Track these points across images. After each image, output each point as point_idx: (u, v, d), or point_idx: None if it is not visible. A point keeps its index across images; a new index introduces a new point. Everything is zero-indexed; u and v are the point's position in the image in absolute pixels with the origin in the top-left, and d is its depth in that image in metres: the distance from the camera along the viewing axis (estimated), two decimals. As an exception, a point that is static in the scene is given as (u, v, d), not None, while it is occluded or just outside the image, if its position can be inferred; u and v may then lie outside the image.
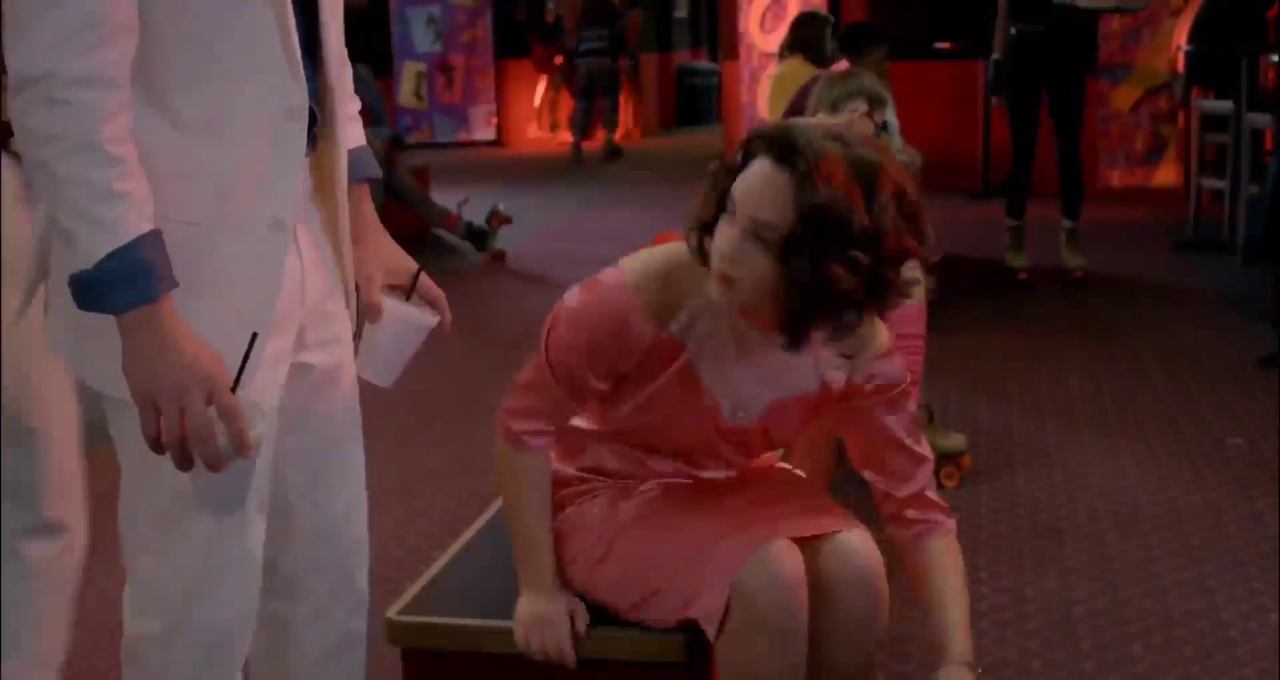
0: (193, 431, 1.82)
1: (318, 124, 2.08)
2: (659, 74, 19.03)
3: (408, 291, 2.27)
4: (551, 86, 17.39)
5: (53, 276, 1.98)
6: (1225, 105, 8.85)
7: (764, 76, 11.53)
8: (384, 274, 2.26)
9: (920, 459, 2.40)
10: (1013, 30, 7.65)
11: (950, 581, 2.36)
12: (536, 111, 17.48)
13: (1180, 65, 9.80)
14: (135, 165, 1.81)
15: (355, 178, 2.22)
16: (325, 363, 2.18)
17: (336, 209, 2.16)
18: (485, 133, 17.12)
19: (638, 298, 2.25)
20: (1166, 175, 11.13)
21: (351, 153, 2.20)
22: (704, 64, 20.61)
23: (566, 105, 17.00)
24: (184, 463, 1.84)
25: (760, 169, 2.10)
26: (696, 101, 19.62)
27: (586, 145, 15.51)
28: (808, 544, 2.25)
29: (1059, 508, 4.49)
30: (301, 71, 1.97)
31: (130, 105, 1.82)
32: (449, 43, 17.08)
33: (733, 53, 12.19)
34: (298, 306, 2.08)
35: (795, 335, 2.16)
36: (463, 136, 16.96)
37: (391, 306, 2.23)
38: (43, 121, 1.78)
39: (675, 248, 2.28)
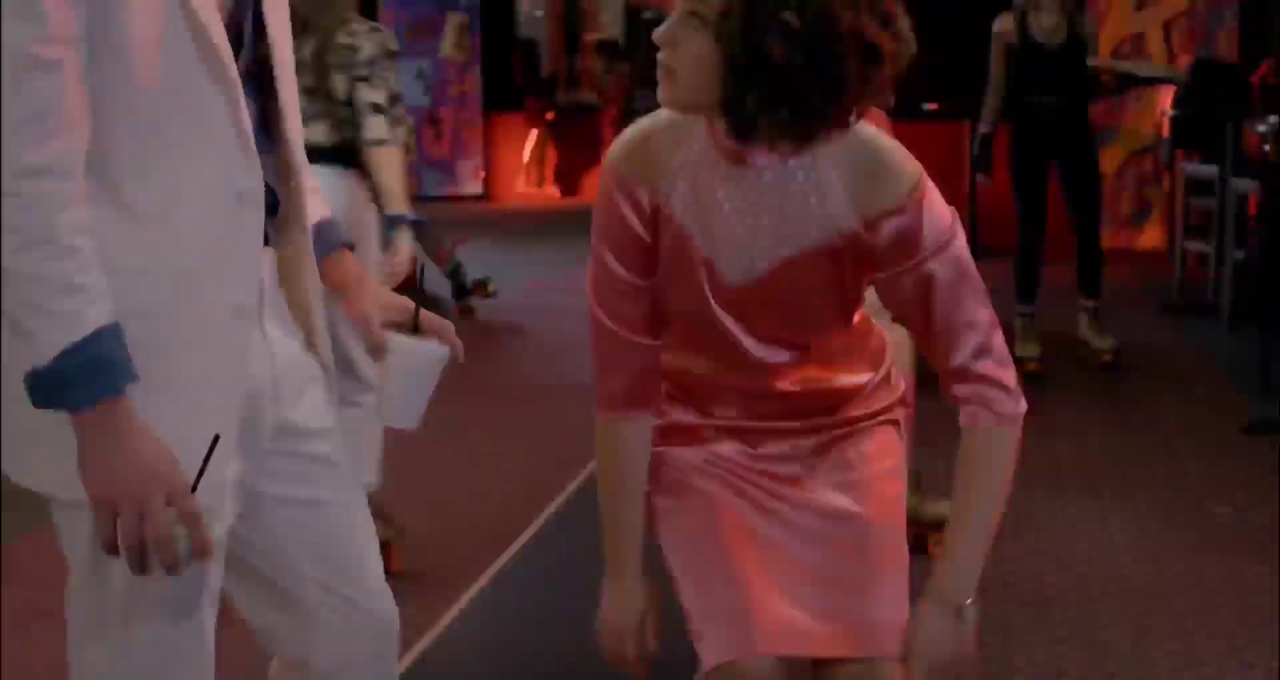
0: (152, 537, 1.77)
1: (279, 205, 2.04)
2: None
3: (411, 327, 2.20)
4: (541, 141, 17.45)
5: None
6: (1210, 170, 8.90)
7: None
8: (381, 312, 2.19)
9: (964, 326, 2.18)
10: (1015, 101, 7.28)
11: (972, 486, 2.23)
12: (525, 166, 17.53)
13: (1165, 130, 9.88)
14: (92, 256, 1.77)
15: (331, 248, 2.19)
16: (320, 451, 2.12)
17: (306, 290, 2.11)
18: (473, 187, 17.12)
19: (625, 168, 2.22)
20: (1152, 237, 11.19)
21: (320, 226, 2.17)
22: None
23: (553, 160, 17.08)
24: (141, 567, 1.80)
25: None
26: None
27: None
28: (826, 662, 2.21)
29: (1047, 576, 4.49)
30: (255, 154, 1.93)
31: (85, 195, 1.78)
32: (437, 96, 17.11)
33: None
34: (269, 395, 2.02)
35: (738, 121, 2.04)
36: (450, 190, 16.95)
37: (398, 343, 2.18)
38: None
39: (658, 113, 2.23)
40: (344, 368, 4.25)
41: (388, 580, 2.22)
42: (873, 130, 2.17)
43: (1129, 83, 8.54)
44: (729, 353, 2.30)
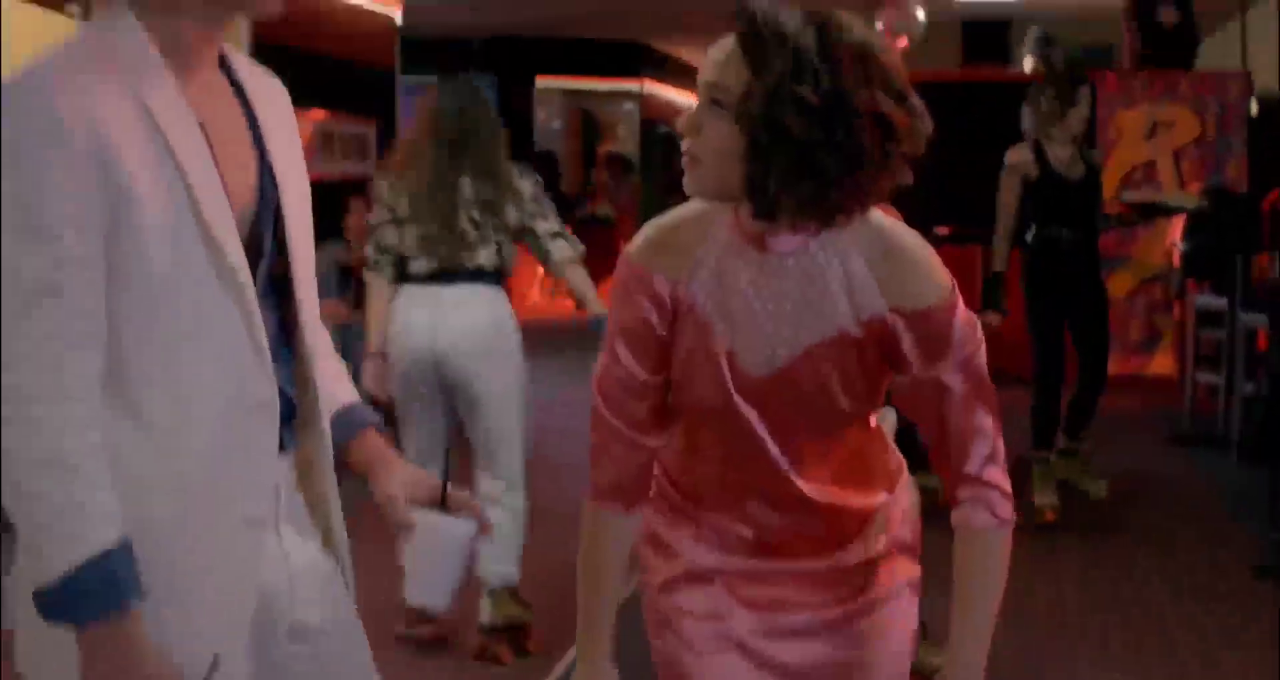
0: None
1: (295, 413, 2.07)
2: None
3: (440, 505, 2.20)
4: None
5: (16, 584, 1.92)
6: (1220, 302, 8.94)
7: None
8: (407, 490, 2.19)
9: (976, 435, 2.23)
10: (1028, 238, 7.03)
11: (975, 584, 2.27)
12: (541, 278, 17.60)
13: (1175, 260, 9.93)
14: (102, 474, 1.80)
15: (357, 430, 2.21)
16: (333, 650, 2.13)
17: (324, 490, 2.14)
18: (487, 298, 17.17)
19: (645, 262, 2.26)
20: (1162, 365, 11.20)
21: (344, 408, 2.20)
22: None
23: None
24: None
25: (720, 43, 2.13)
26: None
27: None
28: None
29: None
30: (270, 366, 1.97)
31: (98, 414, 1.82)
32: (454, 208, 17.25)
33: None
34: (284, 599, 2.04)
35: (761, 199, 2.08)
36: (464, 300, 17.02)
37: (425, 520, 2.17)
38: (7, 437, 1.77)
39: (684, 206, 2.29)
40: (483, 465, 4.97)
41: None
42: (896, 222, 2.23)
43: (1154, 213, 8.56)
44: (748, 452, 2.29)
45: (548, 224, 5.05)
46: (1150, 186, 11.11)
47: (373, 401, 4.90)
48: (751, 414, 2.26)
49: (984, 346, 2.23)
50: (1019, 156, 6.93)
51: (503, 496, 4.94)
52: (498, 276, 4.98)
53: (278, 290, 2.04)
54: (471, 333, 4.89)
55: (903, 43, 13.20)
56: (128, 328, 1.85)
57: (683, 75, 20.99)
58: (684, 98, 21.23)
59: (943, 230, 11.69)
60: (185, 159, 1.88)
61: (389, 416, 6.51)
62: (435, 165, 4.90)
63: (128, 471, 1.84)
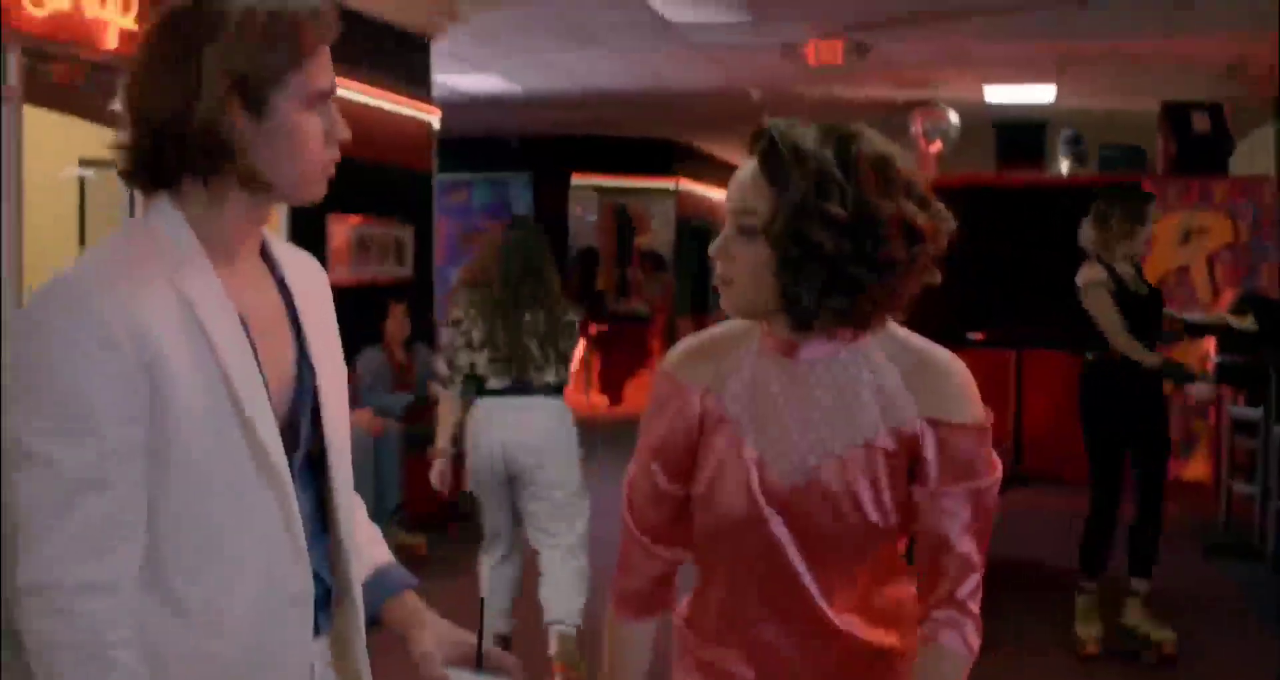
0: None
1: (330, 595, 2.09)
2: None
3: (475, 664, 2.20)
4: (588, 351, 17.60)
5: None
6: (1255, 412, 8.91)
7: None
8: (443, 648, 2.19)
9: (970, 564, 2.25)
10: (1089, 356, 6.79)
11: None
12: (574, 373, 17.63)
13: (1210, 368, 9.91)
14: (140, 668, 1.83)
15: (393, 591, 2.23)
16: None
17: (357, 666, 2.16)
18: (521, 393, 17.20)
19: (679, 373, 2.32)
20: (1198, 470, 11.16)
21: (380, 571, 2.22)
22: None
23: (597, 368, 17.25)
24: None
25: (742, 168, 2.19)
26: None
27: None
28: None
29: None
30: (305, 557, 2.00)
31: (135, 607, 1.85)
32: (489, 303, 17.34)
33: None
34: None
35: (798, 314, 2.15)
36: (499, 396, 17.05)
37: (459, 679, 2.17)
38: (48, 629, 1.81)
39: (720, 324, 2.34)
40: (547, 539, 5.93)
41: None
42: (928, 341, 2.27)
43: (1195, 332, 8.53)
44: (769, 569, 2.28)
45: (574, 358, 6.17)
46: (1184, 292, 11.13)
47: (438, 496, 6.52)
48: (778, 526, 2.25)
49: (998, 486, 2.26)
50: (1096, 274, 6.62)
51: (567, 556, 5.98)
52: (559, 389, 6.00)
53: (313, 470, 2.08)
54: (538, 436, 5.90)
55: (936, 147, 13.28)
56: (166, 516, 1.88)
57: (717, 171, 21.12)
58: (718, 193, 21.35)
59: (977, 335, 11.71)
60: (224, 352, 1.91)
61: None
62: (503, 302, 5.88)
63: (164, 660, 1.87)
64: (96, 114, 7.29)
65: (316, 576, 2.04)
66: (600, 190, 18.58)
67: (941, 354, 2.24)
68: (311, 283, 2.17)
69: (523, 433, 5.86)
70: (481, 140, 16.71)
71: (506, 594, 6.13)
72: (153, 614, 1.87)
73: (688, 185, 19.60)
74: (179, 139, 1.90)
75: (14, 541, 1.83)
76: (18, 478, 1.82)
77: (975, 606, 2.26)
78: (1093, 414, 6.77)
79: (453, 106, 12.39)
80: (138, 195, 6.59)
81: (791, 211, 2.10)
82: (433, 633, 2.21)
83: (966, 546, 2.24)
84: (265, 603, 1.96)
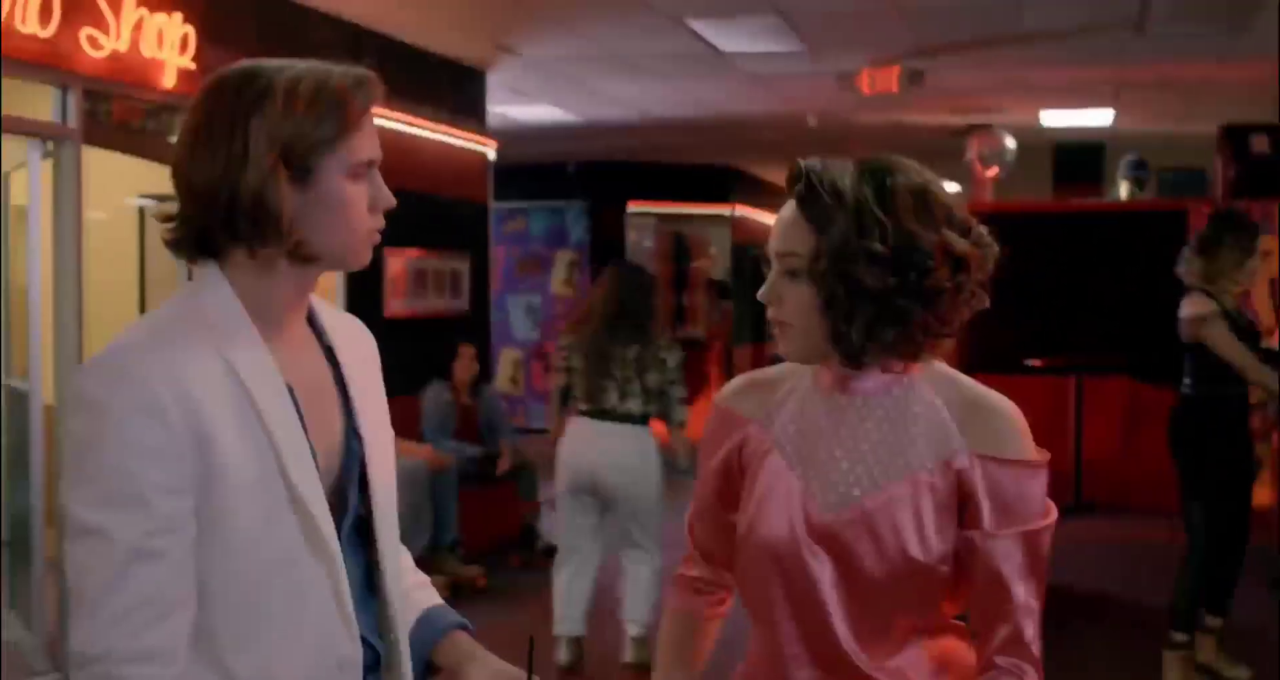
0: None
1: (379, 660, 2.09)
2: (753, 364, 19.25)
3: None
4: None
5: None
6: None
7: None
8: None
9: (1024, 608, 2.19)
10: (1189, 389, 6.48)
11: None
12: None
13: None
14: None
15: (444, 631, 2.23)
16: None
17: None
18: (579, 421, 17.25)
19: (730, 405, 2.35)
20: (1260, 496, 11.01)
21: (429, 614, 2.23)
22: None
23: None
24: None
25: (783, 209, 2.20)
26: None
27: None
28: None
29: None
30: (354, 623, 2.00)
31: (185, 675, 1.86)
32: (547, 331, 17.41)
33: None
34: None
35: (848, 351, 2.15)
36: (557, 423, 17.11)
37: None
38: None
39: (779, 365, 2.35)
40: (630, 549, 6.78)
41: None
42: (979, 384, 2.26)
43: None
44: (807, 607, 2.24)
45: (680, 391, 6.75)
46: (1245, 313, 11.02)
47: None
48: (817, 559, 2.22)
49: (1052, 530, 2.23)
50: (1207, 306, 6.34)
51: (645, 559, 6.86)
52: (646, 419, 6.71)
53: (361, 535, 2.09)
54: (619, 459, 6.66)
55: (993, 172, 13.23)
56: (216, 587, 1.89)
57: (773, 198, 21.10)
58: (774, 219, 21.31)
59: (1035, 362, 11.65)
60: (272, 423, 1.92)
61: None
62: (599, 336, 6.66)
63: None
64: (155, 152, 7.37)
65: (365, 641, 2.04)
66: (657, 217, 18.61)
67: (993, 394, 2.23)
68: (359, 348, 2.18)
69: (605, 455, 6.63)
70: (538, 168, 16.77)
71: (582, 603, 6.87)
72: None
73: (744, 211, 19.61)
74: (225, 209, 1.91)
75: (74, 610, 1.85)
76: (72, 548, 1.85)
77: (1037, 651, 2.21)
78: (1210, 449, 6.41)
79: (508, 135, 12.46)
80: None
81: (833, 250, 2.11)
82: (484, 669, 2.19)
83: (1024, 591, 2.19)
84: (315, 670, 1.96)
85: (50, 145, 6.61)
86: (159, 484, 1.83)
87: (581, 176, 17.44)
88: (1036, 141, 14.38)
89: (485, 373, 9.61)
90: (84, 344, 6.66)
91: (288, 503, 1.92)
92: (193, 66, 7.10)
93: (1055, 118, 13.81)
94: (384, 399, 2.20)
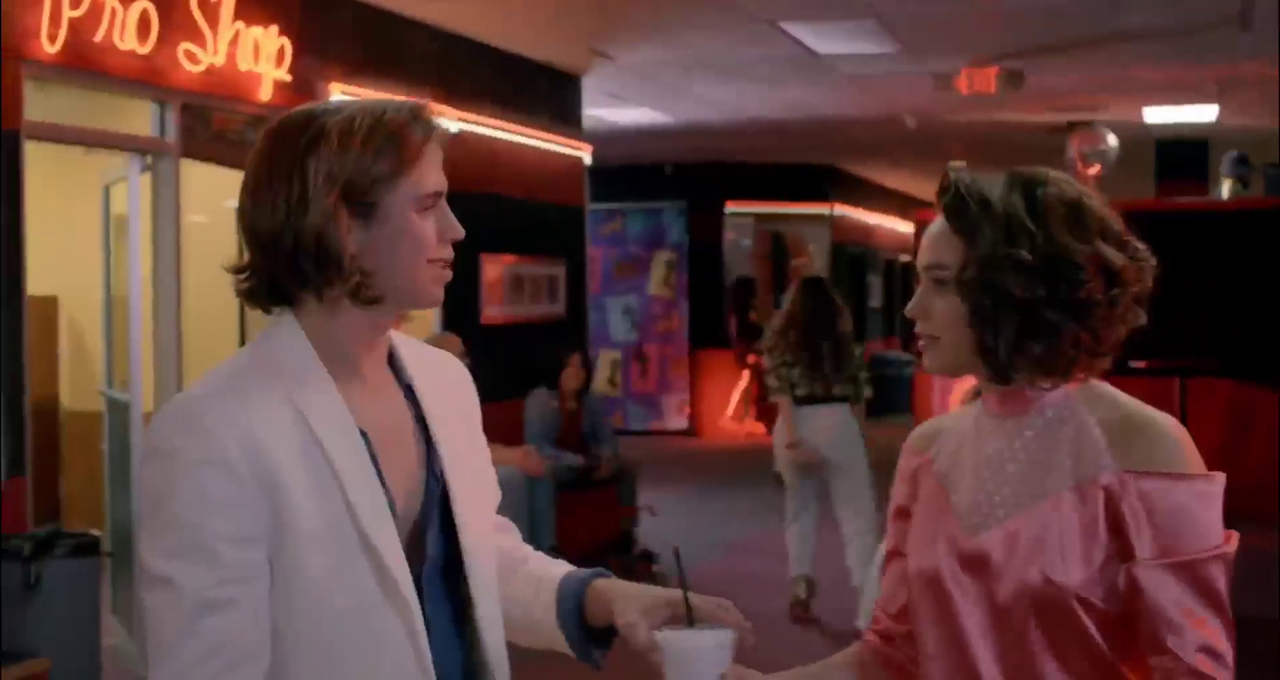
0: None
1: None
2: (851, 363, 19.13)
3: (687, 619, 2.08)
4: (751, 381, 17.51)
5: None
6: None
7: (955, 385, 11.60)
8: (645, 613, 2.09)
9: (1206, 650, 1.97)
10: None
11: None
12: (737, 405, 17.58)
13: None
14: None
15: (585, 584, 2.17)
16: None
17: None
18: (678, 422, 17.29)
19: (911, 441, 2.32)
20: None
21: (564, 583, 2.18)
22: (896, 353, 20.69)
23: (756, 396, 17.26)
24: None
25: (932, 224, 2.15)
26: (889, 391, 19.65)
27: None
28: None
29: None
30: (430, 671, 1.95)
31: None
32: (645, 332, 17.44)
33: (924, 358, 12.28)
34: None
35: (996, 364, 2.09)
36: (655, 425, 17.15)
37: (675, 640, 2.05)
38: None
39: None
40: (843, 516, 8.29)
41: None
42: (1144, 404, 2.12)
43: None
44: (952, 640, 2.13)
45: (865, 374, 8.29)
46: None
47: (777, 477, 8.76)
48: (962, 589, 2.11)
49: (1227, 561, 2.01)
50: None
51: (858, 531, 8.17)
52: (845, 399, 8.20)
53: (448, 577, 2.04)
54: (833, 433, 8.15)
55: (1095, 170, 13.06)
56: (290, 634, 1.88)
57: (872, 196, 21.00)
58: (873, 218, 21.24)
59: (1139, 364, 11.46)
60: (343, 469, 1.90)
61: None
62: (805, 338, 8.10)
63: None
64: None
65: None
66: (755, 217, 18.57)
67: (1149, 409, 2.10)
68: (447, 385, 2.15)
69: (821, 431, 8.09)
70: (635, 169, 16.78)
71: (809, 553, 8.41)
72: None
73: (843, 210, 19.51)
74: (290, 253, 1.90)
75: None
76: (145, 596, 1.85)
77: (1208, 668, 1.98)
78: None
79: (604, 138, 12.46)
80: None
81: (980, 260, 2.07)
82: (633, 600, 2.11)
83: (1192, 632, 1.97)
84: None
85: (149, 159, 6.69)
86: (227, 535, 1.83)
87: (678, 177, 17.44)
88: (1139, 138, 14.20)
89: (587, 377, 9.60)
90: (182, 354, 6.74)
91: (361, 551, 1.90)
92: (289, 79, 7.17)
93: (1158, 114, 13.61)
94: (479, 434, 2.18)
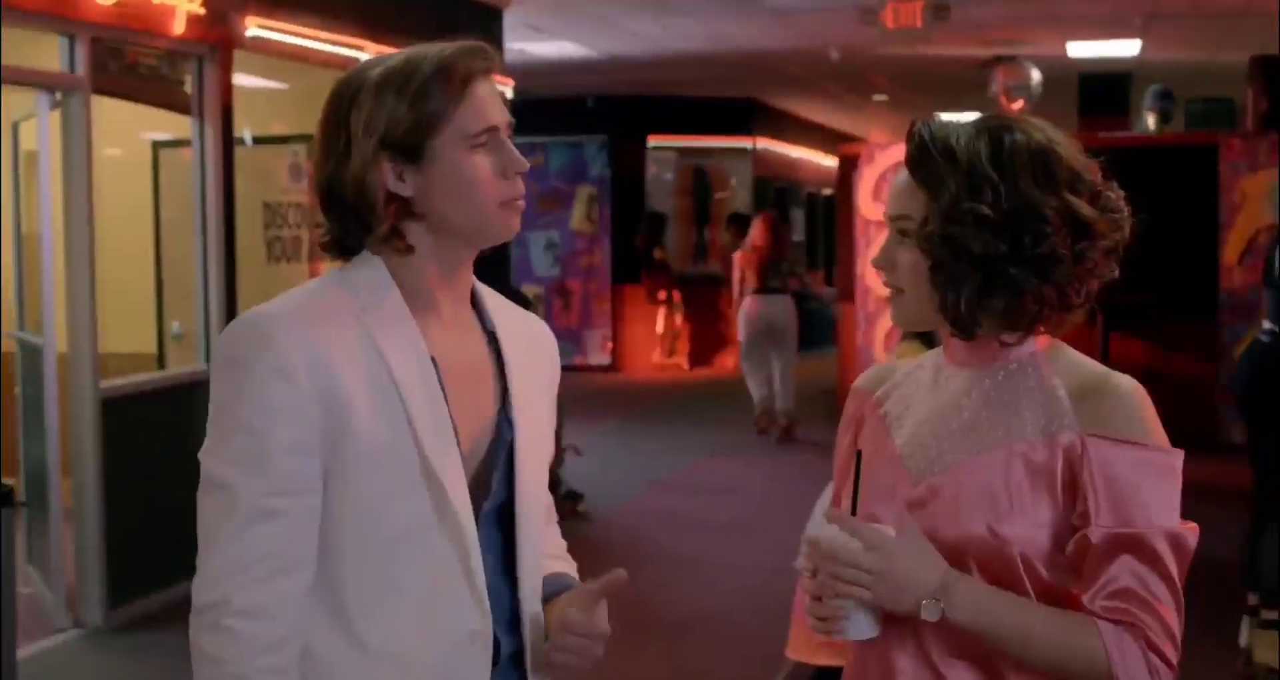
0: None
1: (500, 653, 2.03)
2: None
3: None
4: (670, 314, 17.48)
5: None
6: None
7: (878, 321, 11.63)
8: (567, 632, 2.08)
9: (1157, 605, 1.92)
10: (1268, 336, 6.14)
11: (1064, 622, 1.94)
12: (660, 338, 17.56)
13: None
14: None
15: (548, 597, 2.15)
16: None
17: None
18: (600, 358, 17.23)
19: (860, 383, 2.25)
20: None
21: (546, 581, 2.15)
22: (819, 289, 20.71)
23: (686, 332, 17.25)
24: None
25: (899, 174, 2.09)
26: (814, 325, 19.68)
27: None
28: None
29: None
30: (485, 599, 1.99)
31: (294, 636, 1.91)
32: (567, 267, 17.33)
33: (848, 295, 12.30)
34: None
35: (958, 320, 2.02)
36: (578, 360, 17.06)
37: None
38: (209, 645, 1.89)
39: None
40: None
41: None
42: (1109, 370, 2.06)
43: None
44: None
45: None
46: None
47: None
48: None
49: (1188, 543, 1.95)
50: None
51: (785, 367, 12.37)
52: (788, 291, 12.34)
53: (503, 527, 2.07)
54: (778, 316, 12.18)
55: (1019, 105, 13.05)
56: (347, 550, 1.95)
57: (796, 130, 20.93)
58: (797, 152, 21.18)
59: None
60: (408, 391, 1.96)
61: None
62: (767, 262, 12.12)
63: None
64: (166, 99, 7.26)
65: (495, 640, 2.03)
66: (678, 151, 18.46)
67: (1117, 375, 2.03)
68: (533, 345, 2.19)
69: (771, 315, 12.24)
70: (556, 102, 16.59)
71: (761, 388, 12.53)
72: (334, 650, 1.94)
73: (766, 144, 19.43)
74: (339, 201, 1.99)
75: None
76: (201, 500, 1.94)
77: (1172, 629, 1.94)
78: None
79: (526, 71, 12.30)
80: (208, 169, 6.64)
81: (941, 213, 1.99)
82: (563, 611, 2.09)
83: (1148, 607, 1.92)
84: (444, 642, 1.98)
85: (59, 95, 6.49)
86: (285, 443, 1.90)
87: (600, 110, 17.29)
88: (1062, 75, 14.19)
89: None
90: (96, 293, 6.58)
91: (420, 474, 1.95)
92: (202, 12, 6.97)
93: (1081, 49, 13.61)
94: (553, 397, 2.21)
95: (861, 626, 2.00)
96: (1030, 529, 1.98)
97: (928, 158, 2.02)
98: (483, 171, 1.99)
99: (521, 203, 2.04)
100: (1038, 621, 1.96)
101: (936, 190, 2.00)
